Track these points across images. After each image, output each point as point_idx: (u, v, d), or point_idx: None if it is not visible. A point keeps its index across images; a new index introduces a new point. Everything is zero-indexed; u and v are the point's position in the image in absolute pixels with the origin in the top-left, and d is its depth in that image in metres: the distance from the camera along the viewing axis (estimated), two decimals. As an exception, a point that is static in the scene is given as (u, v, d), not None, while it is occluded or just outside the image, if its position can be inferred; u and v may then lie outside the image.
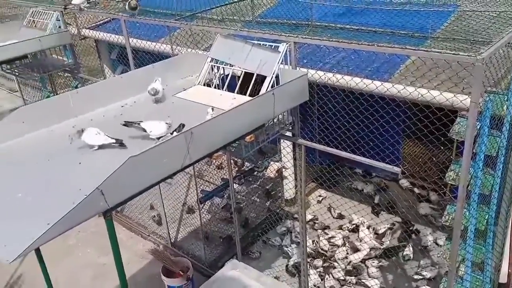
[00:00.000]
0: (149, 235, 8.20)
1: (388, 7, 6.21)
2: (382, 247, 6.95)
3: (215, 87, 4.87)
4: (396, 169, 4.20)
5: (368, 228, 7.29)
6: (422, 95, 4.15)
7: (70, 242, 8.00)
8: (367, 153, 4.80)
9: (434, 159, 6.23)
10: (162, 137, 3.61)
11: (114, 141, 3.64)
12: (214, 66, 4.91)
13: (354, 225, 7.43)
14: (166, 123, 3.70)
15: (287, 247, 7.33)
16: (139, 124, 3.73)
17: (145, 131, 3.70)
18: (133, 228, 8.41)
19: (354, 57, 5.41)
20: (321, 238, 7.35)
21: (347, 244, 7.16)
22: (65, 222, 2.68)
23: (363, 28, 5.83)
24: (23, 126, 3.95)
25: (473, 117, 3.40)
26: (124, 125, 3.77)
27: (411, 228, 7.13)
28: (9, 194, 3.14)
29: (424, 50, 3.66)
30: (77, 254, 7.90)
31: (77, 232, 7.94)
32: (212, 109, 3.91)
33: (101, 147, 3.67)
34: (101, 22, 9.29)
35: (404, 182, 7.86)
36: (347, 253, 6.98)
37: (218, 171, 9.26)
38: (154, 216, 8.41)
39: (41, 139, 3.97)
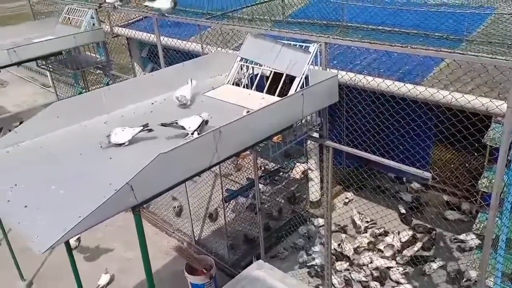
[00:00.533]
0: (173, 232, 8.29)
1: (422, 9, 6.08)
2: (409, 254, 6.81)
3: (244, 87, 4.88)
4: (427, 174, 4.10)
5: (395, 233, 7.15)
6: (456, 99, 4.04)
7: (97, 236, 8.16)
8: (396, 157, 4.70)
9: (466, 165, 6.05)
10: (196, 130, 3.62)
11: (140, 128, 3.72)
12: (244, 65, 4.92)
13: (382, 230, 7.30)
14: (201, 116, 3.71)
15: (311, 249, 7.28)
16: (176, 123, 3.75)
17: (183, 128, 3.71)
18: (158, 225, 8.51)
19: (386, 59, 5.32)
20: (346, 241, 7.26)
21: (372, 249, 7.05)
22: (96, 215, 2.73)
23: (395, 29, 5.71)
24: (57, 120, 4.05)
25: (509, 123, 3.28)
26: (162, 125, 3.78)
27: (434, 236, 6.95)
28: (43, 187, 3.23)
29: (460, 53, 3.57)
30: (104, 248, 8.06)
31: (105, 226, 8.09)
32: (248, 111, 3.85)
33: (131, 141, 3.72)
34: (133, 20, 9.45)
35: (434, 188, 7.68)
36: (373, 258, 6.87)
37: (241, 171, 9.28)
38: (175, 207, 8.47)
39: (74, 134, 4.06)
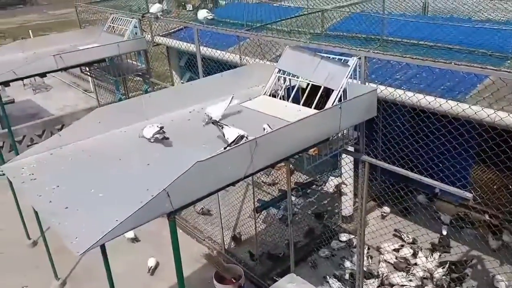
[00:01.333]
0: (204, 240, 8.33)
1: (466, 24, 5.93)
2: (439, 278, 6.55)
3: (280, 98, 4.89)
4: (468, 195, 3.95)
5: (429, 255, 6.90)
6: (501, 118, 3.89)
7: (130, 239, 8.31)
8: (435, 175, 4.56)
9: (510, 186, 5.80)
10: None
11: (158, 129, 3.91)
12: (281, 77, 4.93)
13: (416, 250, 7.08)
14: (242, 135, 3.71)
15: (341, 264, 7.15)
16: (222, 127, 3.83)
17: (224, 135, 3.77)
18: (189, 231, 8.59)
19: (427, 74, 5.21)
20: (378, 258, 7.08)
21: (404, 269, 6.84)
22: (132, 220, 2.78)
23: (438, 45, 5.59)
24: (99, 125, 4.18)
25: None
26: (211, 122, 3.99)
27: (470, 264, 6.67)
28: (83, 189, 3.33)
29: (507, 71, 3.44)
30: (136, 251, 8.19)
31: (138, 230, 8.25)
32: (269, 125, 3.82)
33: (156, 139, 3.92)
34: (173, 30, 9.69)
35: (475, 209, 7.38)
36: (403, 280, 6.66)
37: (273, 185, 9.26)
38: (202, 208, 8.52)
39: (114, 139, 4.18)
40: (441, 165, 4.78)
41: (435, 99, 4.44)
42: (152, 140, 3.95)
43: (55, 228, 2.95)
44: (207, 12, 6.98)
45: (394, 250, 7.25)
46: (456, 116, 4.34)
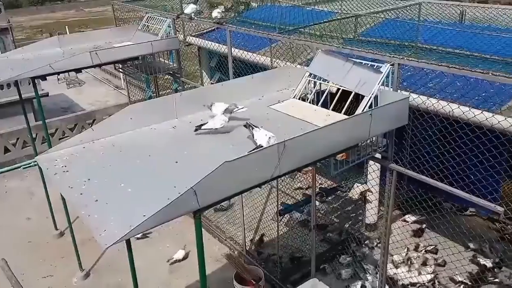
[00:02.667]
0: (225, 239, 8.37)
1: (505, 34, 5.76)
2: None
3: (310, 102, 4.86)
4: (499, 209, 3.83)
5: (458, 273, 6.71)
6: (538, 132, 3.77)
7: (153, 234, 8.43)
8: (465, 187, 4.45)
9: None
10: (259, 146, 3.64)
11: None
12: (311, 81, 4.91)
13: (442, 261, 6.91)
14: (270, 137, 3.69)
15: (364, 271, 7.05)
16: (253, 128, 3.87)
17: (253, 137, 3.81)
18: (211, 230, 8.64)
19: (461, 83, 5.09)
20: (402, 268, 6.95)
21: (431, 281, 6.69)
22: (159, 216, 2.82)
23: (474, 54, 5.45)
24: (130, 122, 4.26)
25: None
26: (245, 126, 4.02)
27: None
28: (113, 183, 3.40)
29: (547, 83, 3.33)
30: (157, 247, 8.31)
31: (160, 226, 8.36)
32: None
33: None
34: (205, 30, 9.79)
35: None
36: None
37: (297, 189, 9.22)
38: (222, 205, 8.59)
39: (144, 136, 4.25)
40: (472, 177, 4.66)
41: (469, 109, 4.33)
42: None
43: (85, 220, 3.02)
44: (218, 12, 7.13)
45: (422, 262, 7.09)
46: (490, 128, 4.22)
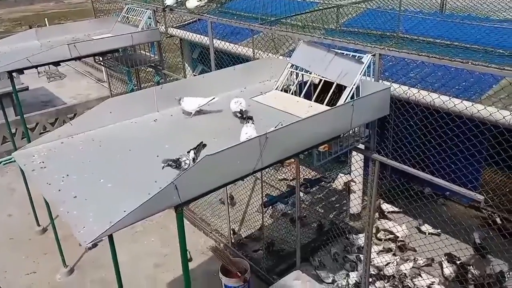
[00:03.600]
0: (211, 232, 8.36)
1: (485, 24, 5.80)
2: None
3: (292, 94, 4.85)
4: (479, 197, 3.89)
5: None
6: (517, 120, 3.82)
7: (137, 230, 8.37)
8: (446, 176, 4.50)
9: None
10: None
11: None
12: (294, 72, 4.89)
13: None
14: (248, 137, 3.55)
15: (349, 262, 7.11)
16: (246, 121, 3.82)
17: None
18: (196, 223, 8.62)
19: (441, 73, 5.12)
20: (386, 258, 7.04)
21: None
22: (140, 211, 2.78)
23: (454, 43, 5.49)
24: (110, 116, 4.19)
25: None
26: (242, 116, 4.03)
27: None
28: (92, 179, 3.34)
29: (525, 72, 3.36)
30: (142, 242, 8.26)
31: (144, 221, 8.31)
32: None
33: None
34: (187, 22, 9.66)
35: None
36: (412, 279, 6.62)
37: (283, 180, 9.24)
38: (221, 198, 8.53)
39: (124, 130, 4.18)
40: (452, 166, 4.72)
41: (449, 99, 4.37)
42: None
43: (63, 217, 2.97)
44: (197, 0, 7.03)
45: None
46: (471, 117, 4.26)
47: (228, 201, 8.45)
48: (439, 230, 7.34)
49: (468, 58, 3.67)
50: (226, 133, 3.98)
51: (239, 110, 4.27)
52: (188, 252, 6.67)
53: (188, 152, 3.27)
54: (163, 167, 3.12)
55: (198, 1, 7.01)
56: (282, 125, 3.66)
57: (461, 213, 8.05)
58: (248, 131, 3.65)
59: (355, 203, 7.92)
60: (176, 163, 3.15)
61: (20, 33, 8.17)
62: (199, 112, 4.42)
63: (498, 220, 6.99)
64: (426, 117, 4.69)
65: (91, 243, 2.62)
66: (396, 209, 8.04)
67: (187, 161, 3.17)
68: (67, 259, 7.64)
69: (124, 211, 2.74)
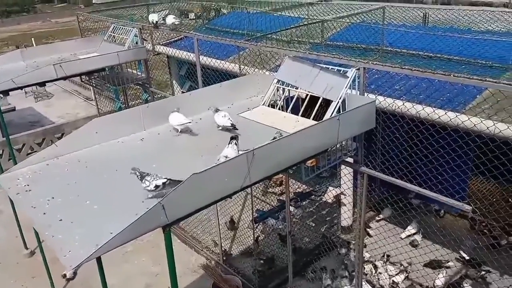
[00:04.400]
0: (202, 250, 8.27)
1: (466, 36, 5.92)
2: None
3: (279, 109, 4.87)
4: (467, 207, 3.91)
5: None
6: (501, 131, 3.86)
7: (127, 249, 8.25)
8: (434, 187, 4.53)
9: (510, 199, 5.76)
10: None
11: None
12: (280, 87, 4.92)
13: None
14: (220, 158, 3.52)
15: (341, 276, 7.07)
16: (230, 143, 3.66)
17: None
18: (187, 241, 8.53)
19: (426, 85, 5.19)
20: (380, 271, 7.01)
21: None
22: (127, 233, 2.75)
23: (437, 55, 5.59)
24: (96, 136, 4.16)
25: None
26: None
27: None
28: (78, 201, 3.30)
29: (506, 83, 3.42)
30: (133, 262, 8.13)
31: (135, 240, 8.19)
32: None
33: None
34: (174, 39, 9.71)
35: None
36: None
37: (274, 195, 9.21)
38: (226, 223, 8.51)
39: (111, 150, 4.15)
40: (439, 177, 4.76)
41: (433, 110, 4.42)
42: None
43: (48, 241, 2.92)
44: (173, 18, 7.14)
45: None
46: (455, 128, 4.32)
47: (228, 225, 8.46)
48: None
49: (451, 70, 3.72)
50: (214, 151, 3.96)
51: (229, 124, 4.27)
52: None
53: (160, 178, 3.29)
54: (131, 172, 3.26)
55: (174, 19, 7.09)
56: (280, 136, 3.68)
57: (449, 223, 8.08)
58: (228, 153, 3.56)
59: (345, 216, 7.91)
60: (141, 176, 3.28)
61: (5, 54, 8.14)
62: (185, 130, 4.41)
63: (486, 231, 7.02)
64: (412, 129, 4.73)
65: (72, 271, 2.58)
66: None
67: (149, 184, 3.24)
68: (55, 282, 7.48)
69: (111, 233, 2.71)
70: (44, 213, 3.17)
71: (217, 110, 4.43)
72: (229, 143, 3.64)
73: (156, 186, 3.25)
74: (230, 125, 4.30)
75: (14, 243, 8.61)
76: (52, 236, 2.91)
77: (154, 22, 7.32)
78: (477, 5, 10.90)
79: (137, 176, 3.30)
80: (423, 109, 4.51)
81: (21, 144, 12.18)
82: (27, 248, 8.51)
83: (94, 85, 8.27)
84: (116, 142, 4.28)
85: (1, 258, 8.48)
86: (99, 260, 4.36)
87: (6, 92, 6.64)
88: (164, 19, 7.43)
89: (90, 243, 2.70)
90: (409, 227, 7.47)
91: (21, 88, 6.55)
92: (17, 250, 8.52)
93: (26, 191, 3.49)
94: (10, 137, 7.40)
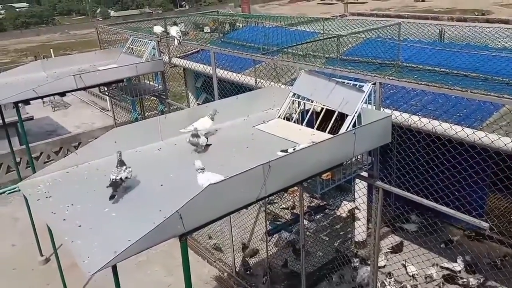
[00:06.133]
0: (215, 261, 8.27)
1: (484, 52, 5.91)
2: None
3: (294, 122, 4.90)
4: (484, 225, 3.87)
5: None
6: (518, 147, 3.84)
7: (141, 259, 8.29)
8: (451, 203, 4.49)
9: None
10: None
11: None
12: (296, 101, 4.96)
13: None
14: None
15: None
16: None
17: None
18: (200, 252, 8.54)
19: (443, 101, 5.18)
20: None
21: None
22: (145, 241, 2.78)
23: (454, 71, 5.58)
24: (114, 145, 4.22)
25: None
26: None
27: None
28: (97, 208, 3.35)
29: (524, 100, 3.40)
30: (146, 271, 8.17)
31: (149, 250, 8.23)
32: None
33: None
34: (190, 52, 9.86)
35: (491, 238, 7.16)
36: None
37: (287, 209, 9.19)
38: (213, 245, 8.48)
39: (129, 159, 4.18)
40: (456, 193, 4.72)
41: (450, 126, 4.40)
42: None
43: (68, 247, 2.97)
44: (176, 31, 7.32)
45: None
46: (473, 144, 4.29)
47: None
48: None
49: (468, 87, 3.72)
50: (230, 162, 4.01)
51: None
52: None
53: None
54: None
55: (176, 32, 7.27)
56: (296, 149, 3.71)
57: (466, 241, 7.95)
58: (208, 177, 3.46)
59: (360, 231, 7.85)
60: (120, 163, 3.61)
61: (26, 64, 8.34)
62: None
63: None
64: (428, 144, 4.72)
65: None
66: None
67: (117, 174, 3.51)
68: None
69: (129, 240, 2.75)
70: (64, 219, 3.23)
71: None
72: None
73: (121, 179, 3.52)
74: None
75: (30, 250, 8.73)
76: (72, 242, 2.96)
77: (159, 33, 7.56)
78: (493, 23, 10.87)
79: (118, 159, 3.59)
80: (439, 124, 4.50)
81: (39, 152, 12.40)
82: (42, 255, 8.61)
83: (111, 95, 8.41)
84: (134, 152, 4.34)
85: (16, 264, 8.59)
86: (114, 268, 4.41)
87: (27, 102, 6.80)
88: (168, 31, 7.63)
89: (108, 250, 2.74)
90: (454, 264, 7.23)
91: (41, 97, 6.71)
92: (33, 257, 8.63)
93: (47, 197, 3.56)
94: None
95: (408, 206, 5.79)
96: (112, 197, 3.46)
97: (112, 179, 3.50)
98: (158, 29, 7.97)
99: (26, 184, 3.78)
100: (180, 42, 7.43)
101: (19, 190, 3.83)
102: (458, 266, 7.06)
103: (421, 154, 4.86)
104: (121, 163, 3.61)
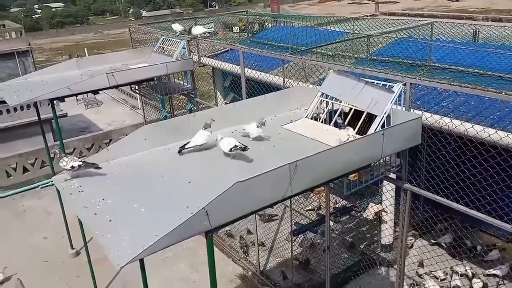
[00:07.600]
0: (239, 260, 8.32)
1: (518, 53, 5.72)
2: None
3: (322, 122, 4.88)
4: (517, 230, 3.75)
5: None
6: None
7: (167, 255, 8.43)
8: (482, 208, 4.37)
9: None
10: None
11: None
12: (324, 100, 4.93)
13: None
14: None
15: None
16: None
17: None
18: (225, 250, 8.60)
19: (475, 103, 5.05)
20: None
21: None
22: (172, 236, 2.84)
23: (488, 72, 5.43)
24: (145, 142, 4.32)
25: None
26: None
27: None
28: (127, 203, 3.44)
29: (563, 102, 3.28)
30: (172, 267, 8.29)
31: (174, 246, 8.35)
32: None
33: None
34: (219, 51, 9.95)
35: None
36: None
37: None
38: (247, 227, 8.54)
39: (158, 156, 4.30)
40: (488, 197, 4.58)
41: (483, 128, 4.29)
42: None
43: (98, 240, 3.06)
44: (203, 27, 7.31)
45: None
46: (506, 147, 4.16)
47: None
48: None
49: (502, 88, 3.62)
50: (256, 161, 4.02)
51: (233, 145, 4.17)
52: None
53: (76, 160, 3.81)
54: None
55: (204, 28, 7.30)
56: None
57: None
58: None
59: (386, 234, 7.74)
60: (59, 156, 3.85)
61: (62, 63, 8.60)
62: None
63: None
64: (459, 147, 4.61)
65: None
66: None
67: (66, 164, 3.76)
68: (98, 282, 7.75)
69: (156, 235, 2.81)
70: (95, 214, 3.33)
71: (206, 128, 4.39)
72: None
73: (72, 167, 3.74)
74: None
75: (61, 243, 9.01)
76: (102, 236, 3.04)
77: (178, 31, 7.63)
78: (530, 22, 10.49)
79: (57, 155, 3.83)
80: (472, 127, 4.39)
81: (72, 148, 12.78)
82: (73, 248, 8.88)
83: (142, 94, 8.58)
84: (163, 149, 4.42)
85: (48, 256, 8.89)
86: (142, 262, 4.52)
87: (62, 99, 7.02)
88: (189, 30, 7.72)
89: (137, 243, 2.81)
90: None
91: (75, 95, 6.91)
92: (64, 250, 8.91)
93: (79, 192, 3.67)
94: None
95: (437, 209, 5.66)
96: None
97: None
98: (176, 27, 8.08)
99: (60, 179, 3.91)
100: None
101: (53, 184, 3.96)
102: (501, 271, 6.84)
103: (452, 157, 4.76)
104: (60, 155, 3.86)
